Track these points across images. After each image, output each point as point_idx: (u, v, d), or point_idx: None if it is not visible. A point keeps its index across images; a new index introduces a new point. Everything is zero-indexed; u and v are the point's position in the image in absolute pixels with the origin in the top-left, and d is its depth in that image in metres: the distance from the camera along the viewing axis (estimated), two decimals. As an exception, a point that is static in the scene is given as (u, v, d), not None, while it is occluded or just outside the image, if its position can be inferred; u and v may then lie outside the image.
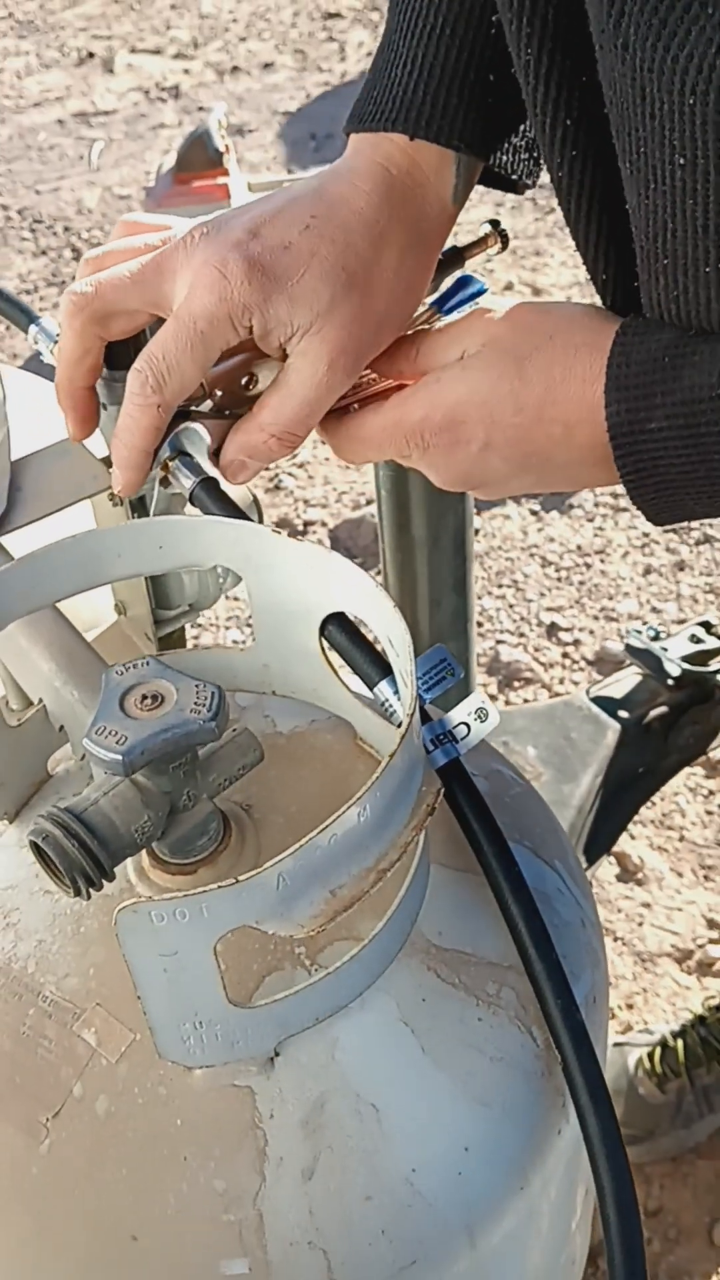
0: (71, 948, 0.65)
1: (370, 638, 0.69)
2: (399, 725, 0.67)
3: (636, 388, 0.61)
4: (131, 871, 0.65)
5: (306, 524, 2.39)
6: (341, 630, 0.68)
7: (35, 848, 0.59)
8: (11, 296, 0.87)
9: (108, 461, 0.81)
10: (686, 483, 0.62)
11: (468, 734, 0.67)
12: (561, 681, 2.11)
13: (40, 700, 0.71)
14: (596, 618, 2.21)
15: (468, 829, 0.65)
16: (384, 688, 0.67)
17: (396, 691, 0.67)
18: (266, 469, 2.50)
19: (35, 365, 2.33)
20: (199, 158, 2.73)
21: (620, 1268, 0.59)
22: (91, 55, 4.02)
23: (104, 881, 0.59)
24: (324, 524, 2.39)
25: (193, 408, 0.73)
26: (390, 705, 0.67)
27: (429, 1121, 0.60)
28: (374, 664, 0.67)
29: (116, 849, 0.59)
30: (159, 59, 3.98)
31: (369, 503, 2.40)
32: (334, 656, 0.71)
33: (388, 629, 0.62)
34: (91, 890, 0.59)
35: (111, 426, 0.81)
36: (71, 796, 0.65)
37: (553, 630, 2.18)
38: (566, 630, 2.18)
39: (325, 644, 0.70)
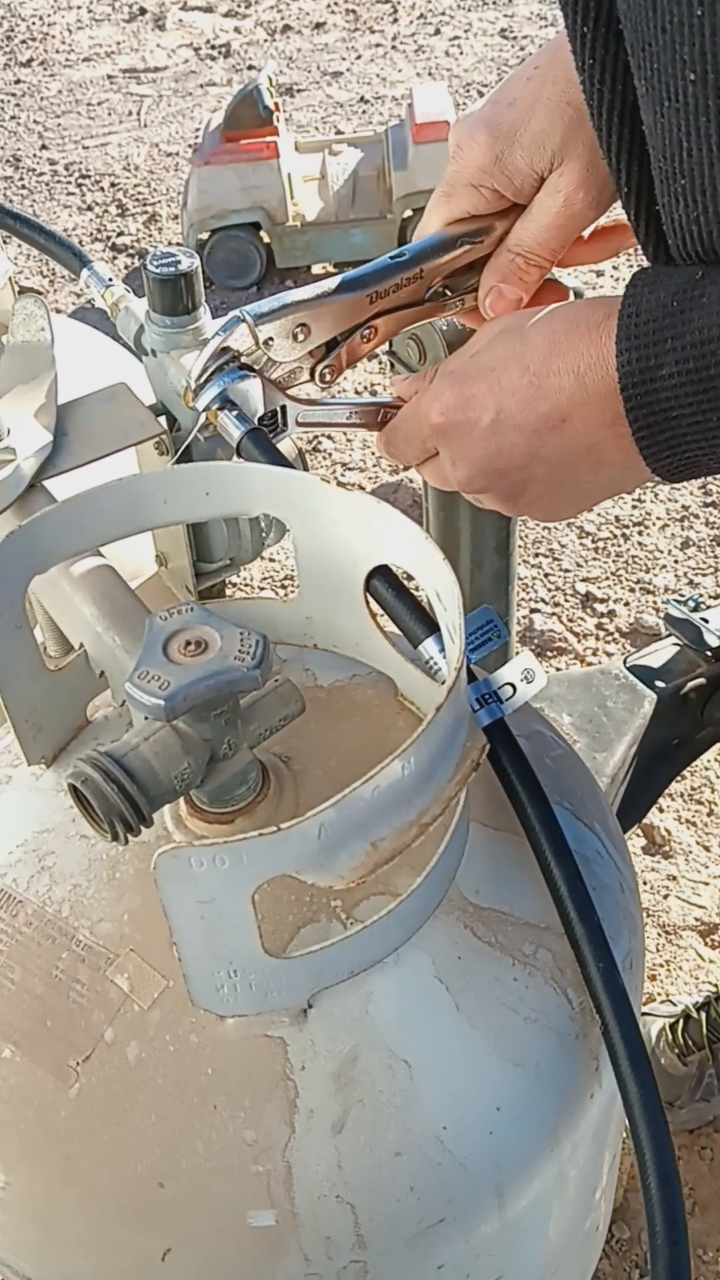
0: (106, 893, 0.65)
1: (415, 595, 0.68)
2: (443, 681, 0.66)
3: (647, 334, 0.60)
4: (168, 818, 0.65)
5: (344, 488, 2.38)
6: (387, 586, 0.67)
7: (74, 791, 0.59)
8: (65, 240, 0.87)
9: (155, 409, 0.80)
10: (699, 435, 0.60)
11: (513, 694, 0.66)
12: (595, 653, 2.10)
13: (81, 645, 0.71)
14: (633, 590, 2.19)
15: (510, 789, 0.64)
16: (429, 645, 0.66)
17: (441, 649, 0.66)
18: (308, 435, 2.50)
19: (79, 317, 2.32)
20: (248, 115, 2.70)
21: (662, 1235, 0.58)
22: (143, 11, 3.99)
23: (142, 827, 0.59)
24: (362, 488, 2.38)
25: (246, 362, 0.73)
26: (435, 663, 0.66)
27: (461, 1080, 0.60)
28: (420, 621, 0.67)
29: (156, 795, 0.59)
30: (210, 16, 3.95)
31: (407, 467, 2.39)
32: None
33: (436, 582, 0.61)
34: (129, 835, 0.59)
35: (158, 374, 0.80)
36: (110, 742, 0.65)
37: (588, 601, 2.16)
38: (602, 601, 2.16)
39: (369, 599, 0.70)
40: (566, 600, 2.17)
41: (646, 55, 0.56)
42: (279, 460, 0.72)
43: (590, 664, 2.08)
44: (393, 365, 0.92)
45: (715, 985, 1.57)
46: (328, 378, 0.77)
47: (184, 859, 0.51)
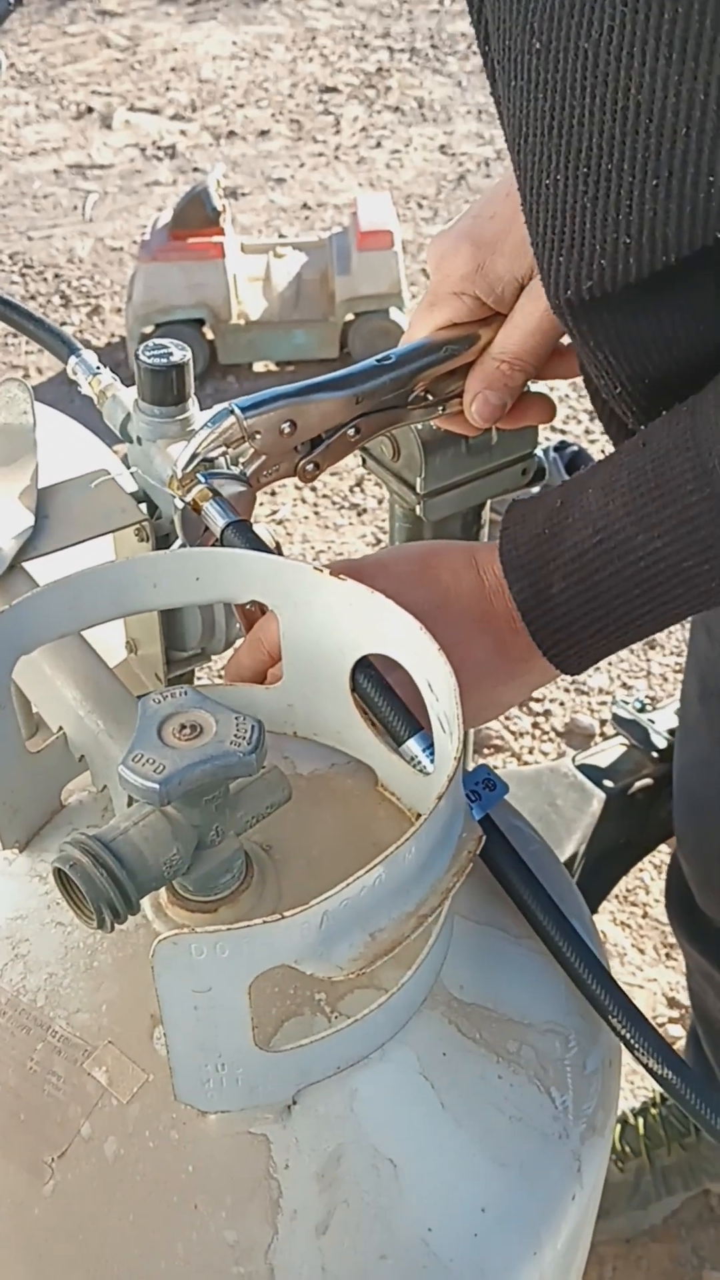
0: (84, 982, 0.63)
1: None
2: (427, 774, 0.66)
3: (530, 563, 0.67)
4: (148, 907, 0.64)
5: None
6: (371, 683, 0.67)
7: (60, 875, 0.58)
8: (54, 328, 0.87)
9: (136, 496, 0.80)
10: (596, 637, 0.67)
11: (479, 800, 0.67)
12: (531, 751, 2.11)
13: (60, 729, 0.70)
14: (567, 690, 2.22)
15: (506, 882, 0.64)
16: (412, 745, 0.66)
17: (424, 748, 0.66)
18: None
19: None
20: (196, 215, 2.76)
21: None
22: (90, 110, 4.07)
23: (128, 914, 0.58)
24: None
25: (231, 458, 0.75)
26: (419, 762, 0.66)
27: (447, 1180, 0.59)
28: (404, 720, 0.67)
29: (144, 881, 0.58)
30: (157, 118, 4.03)
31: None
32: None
33: (430, 672, 0.62)
34: (116, 923, 0.58)
35: (143, 461, 0.80)
36: (89, 827, 0.64)
37: (524, 701, 2.18)
38: (537, 701, 2.19)
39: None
40: (503, 699, 2.19)
41: (500, 34, 0.58)
42: (262, 549, 0.72)
43: (527, 762, 2.09)
44: (364, 461, 0.94)
45: (652, 1091, 1.57)
46: (311, 472, 0.78)
47: (184, 946, 0.50)
